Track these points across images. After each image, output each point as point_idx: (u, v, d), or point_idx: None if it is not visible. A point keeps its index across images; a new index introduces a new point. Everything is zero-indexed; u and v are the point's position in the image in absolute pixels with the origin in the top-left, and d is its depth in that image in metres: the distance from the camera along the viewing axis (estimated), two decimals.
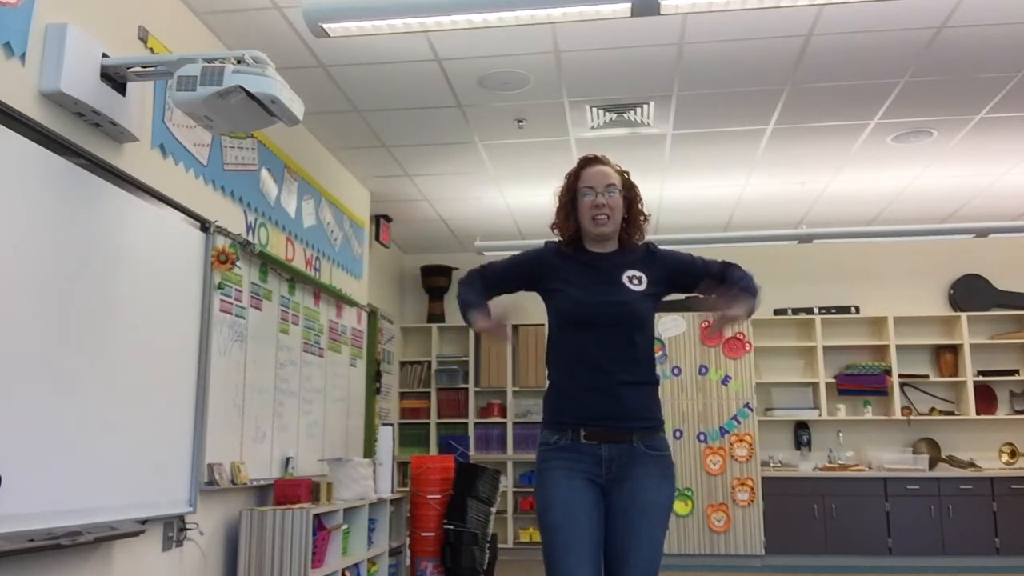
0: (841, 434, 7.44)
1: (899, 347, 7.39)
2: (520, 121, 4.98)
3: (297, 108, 2.87)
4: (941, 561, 6.76)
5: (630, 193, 2.47)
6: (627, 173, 2.51)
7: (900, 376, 7.36)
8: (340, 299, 5.43)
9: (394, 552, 5.21)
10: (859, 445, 7.42)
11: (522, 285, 2.52)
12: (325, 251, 5.27)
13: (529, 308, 2.71)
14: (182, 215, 3.53)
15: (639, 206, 2.48)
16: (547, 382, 2.46)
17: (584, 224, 2.43)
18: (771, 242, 6.90)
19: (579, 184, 2.44)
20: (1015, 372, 7.34)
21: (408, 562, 5.49)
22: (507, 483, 7.39)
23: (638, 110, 4.86)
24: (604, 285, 2.37)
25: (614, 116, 4.94)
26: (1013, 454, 7.23)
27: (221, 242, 3.80)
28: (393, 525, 5.20)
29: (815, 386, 7.47)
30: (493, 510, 5.50)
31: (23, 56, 2.64)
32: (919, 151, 5.53)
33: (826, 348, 7.44)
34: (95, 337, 2.91)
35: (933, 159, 5.68)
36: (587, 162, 2.49)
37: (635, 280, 2.38)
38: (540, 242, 2.56)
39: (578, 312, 2.35)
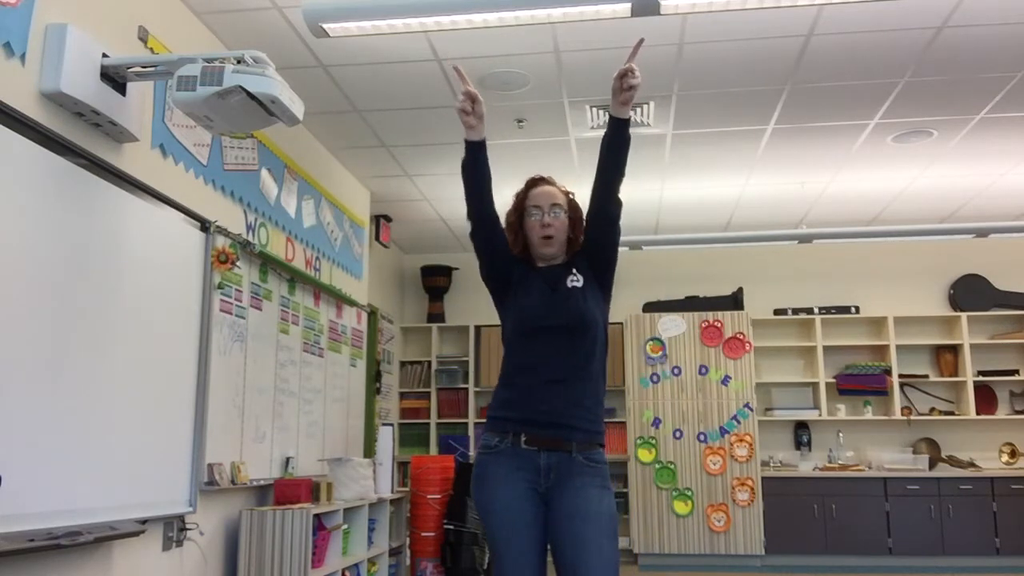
0: (841, 434, 7.44)
1: (899, 347, 7.39)
2: (520, 121, 4.98)
3: (297, 108, 2.87)
4: (941, 561, 6.76)
5: (575, 214, 2.54)
6: (572, 194, 2.58)
7: (900, 376, 7.36)
8: (340, 299, 5.43)
9: (394, 552, 5.21)
10: (859, 445, 7.42)
11: (503, 251, 2.50)
12: (325, 251, 5.27)
13: None
14: (182, 215, 3.53)
15: (583, 227, 2.54)
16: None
17: (532, 242, 2.50)
18: (771, 242, 6.91)
19: (526, 203, 2.52)
20: (1015, 372, 7.34)
21: (408, 562, 5.49)
22: None
23: (638, 110, 4.86)
24: (552, 293, 2.43)
25: None
26: (1013, 454, 7.23)
27: (221, 242, 3.80)
28: (393, 525, 5.20)
29: (815, 386, 7.47)
30: None
31: (23, 56, 2.64)
32: (919, 151, 5.53)
33: (826, 348, 7.44)
34: (95, 337, 2.91)
35: (933, 159, 5.68)
36: (534, 183, 2.57)
37: (575, 279, 2.45)
38: None
39: (529, 320, 2.40)
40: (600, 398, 2.42)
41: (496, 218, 2.49)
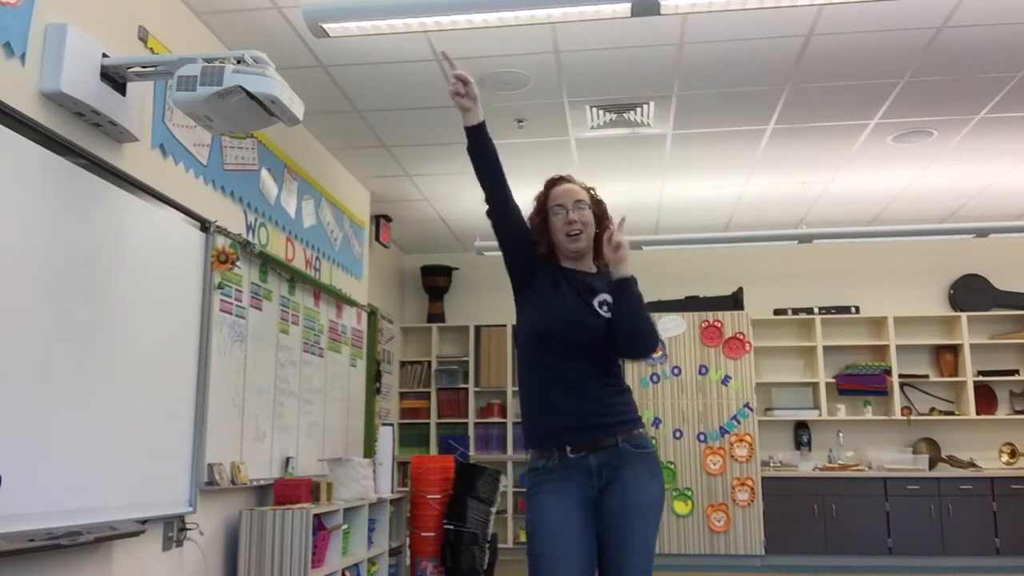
0: (841, 434, 7.44)
1: (899, 347, 7.39)
2: (520, 121, 4.98)
3: (297, 108, 2.87)
4: (941, 561, 6.76)
5: (599, 208, 2.50)
6: (593, 190, 2.53)
7: (900, 376, 7.36)
8: (340, 299, 5.43)
9: (394, 552, 5.21)
10: (859, 445, 7.42)
11: (521, 235, 2.46)
12: (325, 251, 5.27)
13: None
14: (182, 215, 3.53)
15: (608, 222, 2.50)
16: (521, 401, 2.48)
17: (559, 241, 2.45)
18: (771, 242, 6.90)
19: (549, 203, 2.47)
20: (1015, 372, 7.34)
21: (408, 562, 5.49)
22: (507, 483, 7.39)
23: (638, 110, 4.86)
24: (577, 305, 2.38)
25: (614, 116, 4.94)
26: (1013, 454, 7.23)
27: (221, 242, 3.80)
28: (393, 525, 5.20)
29: (815, 386, 7.47)
30: (493, 510, 5.50)
31: (23, 56, 2.64)
32: (919, 151, 5.53)
33: (826, 348, 7.44)
34: (95, 337, 2.91)
35: (933, 159, 5.68)
36: (554, 182, 2.52)
37: (605, 307, 2.39)
38: None
39: (558, 330, 2.35)
40: (625, 386, 2.43)
41: (509, 198, 2.42)
